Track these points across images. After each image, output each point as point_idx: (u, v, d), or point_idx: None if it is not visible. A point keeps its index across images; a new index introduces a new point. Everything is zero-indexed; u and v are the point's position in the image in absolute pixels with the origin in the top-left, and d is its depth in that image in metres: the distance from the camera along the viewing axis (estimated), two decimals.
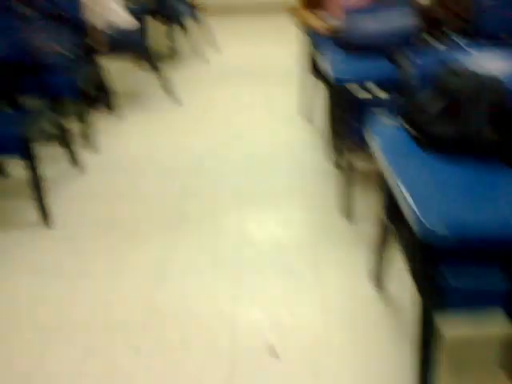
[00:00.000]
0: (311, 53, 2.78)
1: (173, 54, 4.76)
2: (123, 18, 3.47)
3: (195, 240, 2.10)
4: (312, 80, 2.94)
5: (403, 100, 1.49)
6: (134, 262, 1.97)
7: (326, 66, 1.92)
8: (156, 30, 4.75)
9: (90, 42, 3.21)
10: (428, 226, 0.96)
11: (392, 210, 1.34)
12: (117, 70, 4.50)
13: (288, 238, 2.09)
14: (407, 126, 1.34)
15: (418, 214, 0.99)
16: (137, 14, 3.91)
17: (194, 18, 4.91)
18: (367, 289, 1.78)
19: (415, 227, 0.99)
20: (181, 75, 4.44)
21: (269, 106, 3.60)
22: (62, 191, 2.52)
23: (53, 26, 2.95)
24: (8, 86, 2.59)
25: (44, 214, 2.21)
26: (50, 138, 2.81)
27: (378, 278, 1.76)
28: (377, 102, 1.92)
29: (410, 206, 1.03)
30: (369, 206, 2.15)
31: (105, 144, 3.06)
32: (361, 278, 1.83)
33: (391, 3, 2.17)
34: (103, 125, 3.37)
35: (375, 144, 1.34)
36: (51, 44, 2.89)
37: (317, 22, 2.45)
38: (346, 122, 1.99)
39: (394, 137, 1.35)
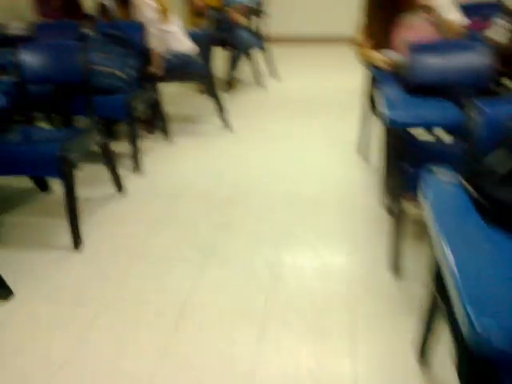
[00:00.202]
0: (371, 88, 2.59)
1: (233, 81, 4.74)
2: (183, 43, 3.46)
3: (221, 277, 1.95)
4: (372, 116, 2.74)
5: (467, 153, 1.27)
6: (153, 299, 1.84)
7: (382, 104, 1.72)
8: (219, 56, 4.78)
9: (149, 66, 3.22)
10: (480, 331, 0.73)
11: (441, 282, 1.11)
12: (175, 94, 4.56)
13: (324, 290, 1.88)
14: (469, 186, 1.12)
15: (468, 311, 0.76)
16: (201, 40, 3.94)
17: (260, 47, 4.88)
18: (408, 360, 1.54)
19: (464, 327, 0.77)
20: (238, 102, 4.41)
21: (324, 139, 3.42)
22: (98, 213, 2.47)
23: (114, 49, 2.99)
24: (63, 104, 2.62)
25: (75, 237, 2.15)
26: (93, 158, 2.81)
27: (422, 350, 1.51)
28: (437, 149, 1.70)
29: (459, 296, 0.81)
30: (421, 261, 1.91)
31: (151, 167, 3.02)
32: (402, 346, 1.59)
33: (462, 40, 1.95)
34: (153, 148, 3.35)
35: (426, 202, 1.12)
36: (110, 66, 2.91)
37: (378, 56, 2.26)
38: (401, 166, 1.77)
39: (450, 196, 1.12)
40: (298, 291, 1.87)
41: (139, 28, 3.11)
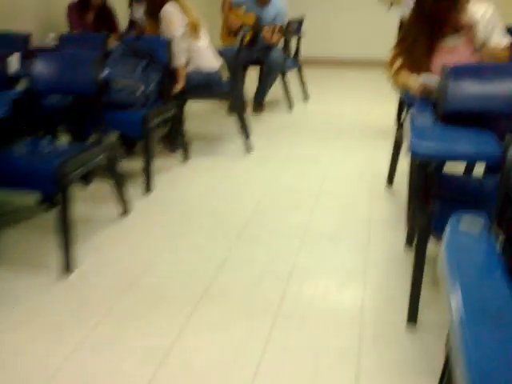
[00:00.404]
0: (403, 115, 2.35)
1: (263, 101, 4.59)
2: (210, 60, 3.34)
3: (213, 324, 1.72)
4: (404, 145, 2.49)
5: (502, 194, 1.03)
6: (136, 345, 1.64)
7: (408, 133, 1.49)
8: (251, 75, 4.66)
9: (173, 83, 3.11)
10: None
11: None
12: (202, 112, 4.44)
13: (328, 339, 1.62)
14: (500, 234, 0.87)
15: None
16: (231, 58, 3.82)
17: (294, 68, 4.74)
18: None
19: None
20: (265, 123, 4.25)
21: (351, 167, 3.19)
22: (97, 235, 2.32)
23: (137, 63, 2.89)
24: (78, 118, 2.52)
25: (65, 261, 2.00)
26: (104, 175, 2.69)
27: None
28: (470, 187, 1.45)
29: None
30: (443, 310, 1.63)
31: (163, 188, 2.87)
32: None
33: (505, 63, 1.70)
34: (170, 167, 3.21)
35: (444, 258, 0.88)
36: (131, 80, 2.82)
37: (413, 79, 2.03)
38: (426, 203, 1.52)
39: (474, 254, 0.88)
40: (299, 341, 1.63)
41: (165, 43, 3.01)
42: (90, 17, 3.83)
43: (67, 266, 2.00)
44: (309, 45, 5.55)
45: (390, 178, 2.83)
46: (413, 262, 1.64)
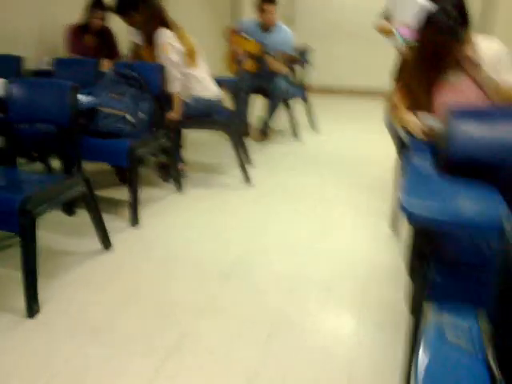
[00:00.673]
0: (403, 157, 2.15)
1: (268, 130, 4.45)
2: (208, 89, 3.20)
3: (186, 377, 1.52)
4: None
5: (500, 283, 0.83)
6: None
7: (400, 186, 1.30)
8: (256, 104, 4.53)
9: (167, 111, 2.97)
10: None
11: None
12: (203, 140, 4.31)
13: None
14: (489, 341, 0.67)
15: None
16: (233, 86, 3.70)
17: (300, 97, 4.60)
18: None
19: None
20: (268, 153, 4.09)
21: (354, 206, 2.99)
22: (70, 273, 2.14)
23: (128, 91, 2.76)
24: (51, 148, 2.38)
25: (29, 303, 1.82)
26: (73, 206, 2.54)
27: None
28: (473, 252, 1.24)
29: None
30: None
31: (151, 220, 2.71)
32: None
33: None
34: (161, 197, 3.06)
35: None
36: (119, 109, 2.68)
37: (413, 119, 1.84)
38: (424, 269, 1.31)
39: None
40: None
41: (158, 70, 2.88)
42: (89, 40, 3.75)
43: (31, 309, 1.83)
44: (318, 74, 5.45)
45: (394, 221, 2.62)
46: (407, 331, 1.42)
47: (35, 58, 3.50)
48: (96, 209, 2.24)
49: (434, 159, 1.50)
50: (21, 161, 2.67)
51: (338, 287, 2.08)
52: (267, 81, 4.20)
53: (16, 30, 3.56)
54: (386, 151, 4.02)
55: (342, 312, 1.93)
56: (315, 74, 5.21)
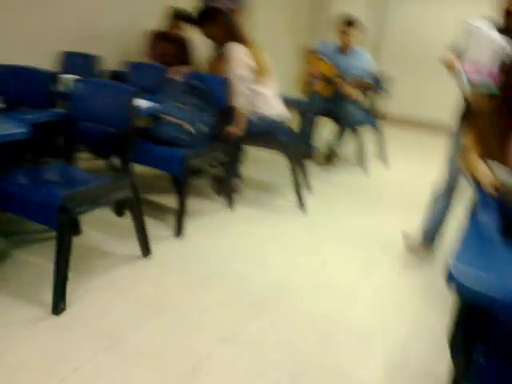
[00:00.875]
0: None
1: (333, 156, 4.29)
2: (274, 108, 3.13)
3: None
4: None
5: None
6: None
7: (454, 244, 1.11)
8: (325, 127, 4.40)
9: (228, 125, 2.93)
10: None
11: None
12: (265, 157, 4.22)
13: None
14: None
15: None
16: (302, 108, 3.61)
17: (371, 125, 4.41)
18: None
19: None
20: (330, 180, 3.93)
21: (409, 253, 2.75)
22: (102, 277, 2.13)
23: (191, 101, 2.76)
24: (111, 148, 2.41)
25: (55, 301, 1.82)
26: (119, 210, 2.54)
27: None
28: None
29: None
30: None
31: (194, 231, 2.67)
32: None
33: None
34: (210, 211, 3.01)
35: None
36: (180, 118, 2.68)
37: (483, 169, 1.64)
38: (468, 351, 1.12)
39: None
40: None
41: (225, 83, 2.86)
42: (166, 48, 3.82)
43: (55, 306, 1.83)
44: (395, 103, 5.22)
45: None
46: None
47: (114, 59, 3.62)
48: (140, 215, 2.23)
49: (502, 220, 1.30)
50: (82, 156, 2.73)
51: (375, 340, 1.89)
52: (337, 104, 4.07)
53: (99, 30, 3.73)
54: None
55: (375, 374, 1.74)
56: (391, 103, 4.99)
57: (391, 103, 4.99)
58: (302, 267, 2.43)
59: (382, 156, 4.56)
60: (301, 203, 3.19)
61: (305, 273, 2.37)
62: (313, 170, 3.92)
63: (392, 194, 3.74)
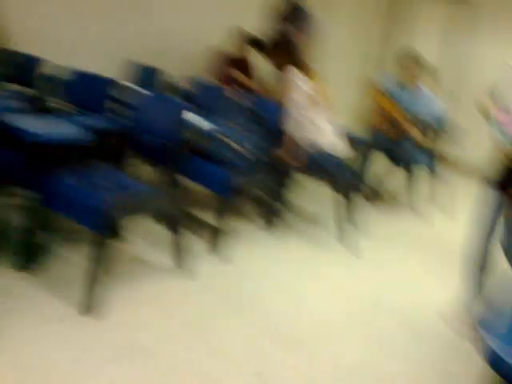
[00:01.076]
0: None
1: (384, 194, 4.12)
2: (333, 142, 3.07)
3: None
4: None
5: None
6: None
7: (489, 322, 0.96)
8: (380, 164, 4.23)
9: (281, 152, 2.92)
10: None
11: None
12: (313, 186, 4.06)
13: None
14: None
15: None
16: (360, 145, 3.50)
17: (429, 168, 4.18)
18: None
19: None
20: (383, 224, 3.62)
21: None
22: (133, 282, 2.14)
23: (246, 124, 2.78)
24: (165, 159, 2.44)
25: (84, 301, 1.85)
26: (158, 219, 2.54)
27: None
28: None
29: None
30: None
31: (229, 251, 2.62)
32: None
33: None
34: (254, 235, 2.94)
35: None
36: (230, 138, 2.70)
37: None
38: None
39: None
40: None
41: (279, 108, 2.86)
42: (232, 71, 3.89)
43: (83, 307, 1.86)
44: (475, 154, 4.87)
45: None
46: None
47: (175, 72, 3.73)
48: (177, 229, 2.23)
49: None
50: (132, 161, 2.79)
51: None
52: (399, 145, 3.93)
53: (163, 42, 3.87)
54: None
55: None
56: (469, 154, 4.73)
57: (469, 153, 4.75)
58: (344, 312, 2.27)
59: (442, 205, 4.14)
60: (341, 238, 3.07)
61: (342, 317, 2.23)
62: (362, 208, 3.69)
63: (446, 249, 3.31)
